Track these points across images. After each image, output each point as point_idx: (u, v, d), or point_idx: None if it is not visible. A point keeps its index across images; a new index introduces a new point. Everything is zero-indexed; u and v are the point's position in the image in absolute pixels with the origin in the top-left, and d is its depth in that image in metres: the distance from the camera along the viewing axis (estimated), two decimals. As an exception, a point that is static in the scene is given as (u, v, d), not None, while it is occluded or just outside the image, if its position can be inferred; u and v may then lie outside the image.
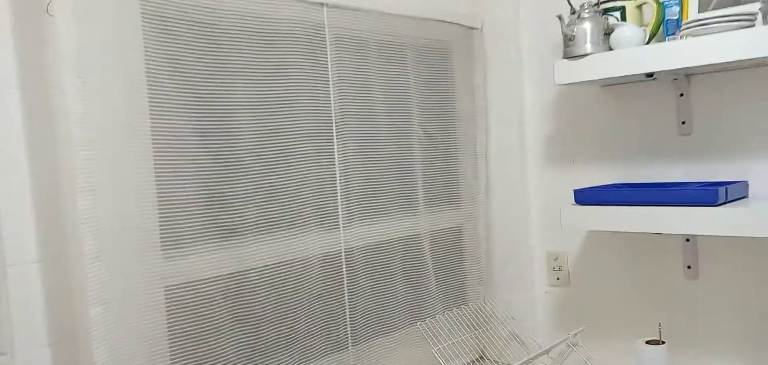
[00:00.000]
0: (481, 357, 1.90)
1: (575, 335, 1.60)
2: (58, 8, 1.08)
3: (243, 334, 1.35)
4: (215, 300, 1.31)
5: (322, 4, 1.51)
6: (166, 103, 1.24)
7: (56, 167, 1.14)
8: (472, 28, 1.92)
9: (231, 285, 1.34)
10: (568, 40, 1.53)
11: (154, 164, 1.21)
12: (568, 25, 1.53)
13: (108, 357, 1.12)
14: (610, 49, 1.51)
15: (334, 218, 1.56)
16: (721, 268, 1.58)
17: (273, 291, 1.41)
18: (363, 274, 1.62)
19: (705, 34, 1.34)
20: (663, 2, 1.51)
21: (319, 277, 1.52)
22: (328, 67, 1.54)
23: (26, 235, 1.12)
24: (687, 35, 1.39)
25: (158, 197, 1.22)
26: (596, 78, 1.52)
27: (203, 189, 1.29)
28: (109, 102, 1.14)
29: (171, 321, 1.23)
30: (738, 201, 1.43)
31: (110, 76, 1.15)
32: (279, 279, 1.43)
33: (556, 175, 1.86)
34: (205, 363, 1.28)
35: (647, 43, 1.51)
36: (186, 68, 1.27)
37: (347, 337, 1.58)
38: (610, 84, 1.71)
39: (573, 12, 1.54)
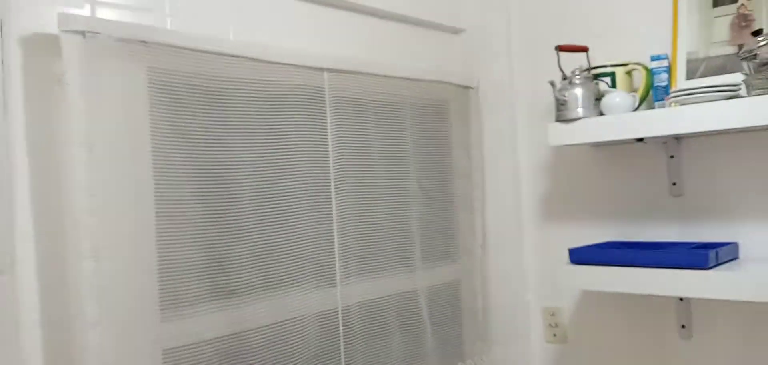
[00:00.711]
0: (479, 414, 1.90)
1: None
2: (68, 79, 1.13)
3: (240, 395, 1.36)
4: (212, 362, 1.32)
5: (322, 70, 1.57)
6: (169, 168, 1.27)
7: (62, 233, 1.17)
8: (468, 88, 1.97)
9: (228, 346, 1.35)
10: (561, 104, 1.58)
11: (156, 228, 1.24)
12: (560, 90, 1.58)
13: (105, 422, 1.13)
14: (602, 113, 1.56)
15: (331, 276, 1.58)
16: (714, 328, 1.59)
17: (270, 351, 1.42)
18: (360, 331, 1.64)
19: (692, 102, 1.39)
20: (652, 69, 1.57)
21: (317, 335, 1.53)
22: (327, 128, 1.58)
23: (30, 298, 1.14)
24: (675, 103, 1.44)
25: (159, 261, 1.24)
26: (588, 141, 1.56)
27: (203, 252, 1.32)
28: (114, 170, 1.18)
29: (169, 384, 1.24)
30: (729, 263, 1.46)
31: (116, 144, 1.19)
32: (276, 338, 1.44)
33: (552, 231, 1.89)
34: (201, 425, 1.29)
35: (637, 108, 1.56)
36: (189, 134, 1.31)
37: (344, 396, 1.59)
38: (602, 145, 1.75)
39: (564, 77, 1.59)
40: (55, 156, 1.16)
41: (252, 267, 1.40)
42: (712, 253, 1.40)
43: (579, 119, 1.55)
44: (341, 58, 1.61)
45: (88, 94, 1.15)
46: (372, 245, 1.68)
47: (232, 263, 1.37)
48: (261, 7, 1.50)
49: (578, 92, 1.56)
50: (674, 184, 1.64)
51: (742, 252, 1.53)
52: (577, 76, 1.57)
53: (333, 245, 1.58)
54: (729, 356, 1.57)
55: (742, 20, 1.49)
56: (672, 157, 1.64)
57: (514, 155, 1.95)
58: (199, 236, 1.31)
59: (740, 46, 1.47)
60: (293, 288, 1.48)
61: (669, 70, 1.55)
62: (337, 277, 1.59)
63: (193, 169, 1.31)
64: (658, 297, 1.67)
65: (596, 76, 1.60)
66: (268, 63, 1.45)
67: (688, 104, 1.39)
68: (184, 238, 1.29)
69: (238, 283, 1.38)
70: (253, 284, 1.40)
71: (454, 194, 1.93)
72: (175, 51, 1.28)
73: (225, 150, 1.37)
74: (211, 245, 1.33)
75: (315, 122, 1.55)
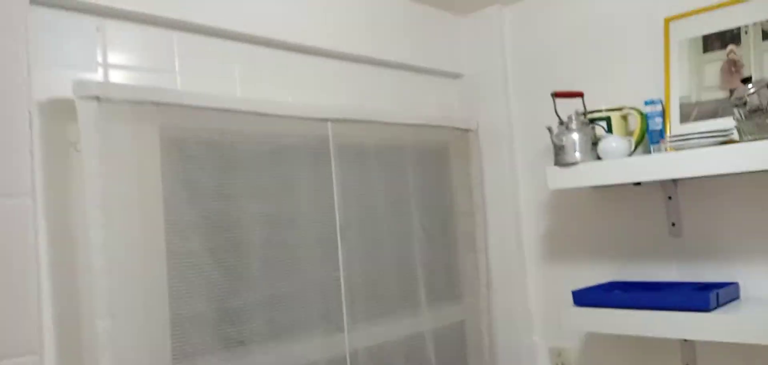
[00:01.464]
0: None
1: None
2: (84, 144, 1.17)
3: None
4: (223, 414, 1.34)
5: (326, 120, 1.61)
6: (180, 222, 1.31)
7: (76, 292, 1.20)
8: (468, 130, 2.02)
9: (238, 396, 1.37)
10: (558, 149, 1.62)
11: (168, 282, 1.28)
12: (557, 134, 1.63)
13: None
14: (599, 157, 1.60)
15: (338, 322, 1.60)
16: (718, 367, 1.60)
17: (279, 400, 1.44)
18: (367, 376, 1.65)
19: (687, 148, 1.43)
20: (646, 113, 1.61)
21: (325, 383, 1.55)
22: (332, 176, 1.62)
23: (48, 358, 1.16)
24: (670, 147, 1.48)
25: (171, 314, 1.27)
26: (587, 185, 1.60)
27: (213, 303, 1.35)
28: (128, 228, 1.21)
29: (180, 437, 1.26)
30: (730, 304, 1.48)
31: (130, 202, 1.23)
32: (285, 387, 1.46)
33: (554, 270, 1.91)
34: None
35: (633, 151, 1.60)
36: (199, 187, 1.35)
37: None
38: (601, 187, 1.79)
39: (561, 122, 1.64)
40: (70, 218, 1.20)
41: (260, 316, 1.43)
42: (712, 295, 1.43)
43: (577, 163, 1.59)
44: (344, 107, 1.66)
45: (103, 156, 1.19)
46: (378, 290, 1.70)
47: (241, 314, 1.39)
48: (266, 62, 1.56)
49: (575, 136, 1.60)
50: (673, 224, 1.67)
51: (743, 292, 1.55)
52: (574, 121, 1.61)
53: (340, 290, 1.61)
54: (734, 394, 1.58)
55: (732, 66, 1.54)
56: (670, 198, 1.67)
57: (515, 196, 1.99)
58: (209, 287, 1.34)
59: (731, 91, 1.51)
60: (302, 335, 1.50)
61: (663, 114, 1.59)
62: (345, 322, 1.61)
63: (202, 221, 1.35)
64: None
65: (592, 121, 1.65)
66: (274, 116, 1.49)
67: (683, 148, 1.43)
68: (195, 290, 1.32)
69: (248, 333, 1.40)
70: (262, 333, 1.43)
71: (457, 235, 1.96)
72: (185, 109, 1.33)
73: (233, 200, 1.41)
74: (221, 296, 1.36)
75: (320, 170, 1.60)
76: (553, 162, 1.65)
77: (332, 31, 1.68)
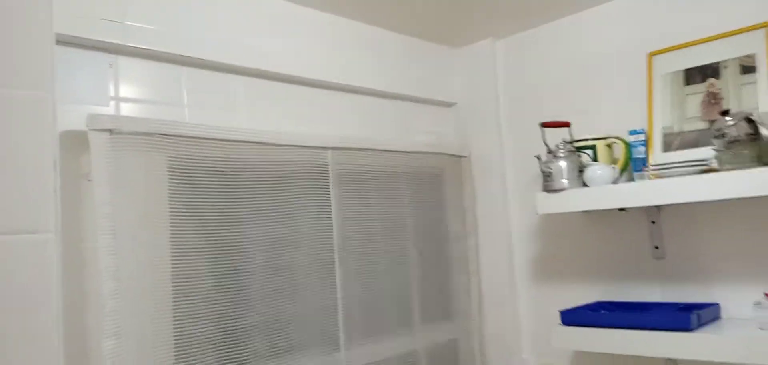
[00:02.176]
0: None
1: None
2: (95, 174, 1.23)
3: None
4: (226, 433, 1.39)
5: (326, 148, 1.68)
6: (185, 247, 1.37)
7: (84, 312, 1.25)
8: (461, 157, 2.09)
9: (240, 416, 1.42)
10: (547, 175, 1.69)
11: (173, 304, 1.33)
12: (546, 162, 1.70)
13: None
14: (585, 184, 1.67)
15: (335, 341, 1.66)
16: (701, 386, 1.67)
17: (279, 419, 1.49)
18: (363, 395, 1.70)
19: (668, 176, 1.51)
20: (630, 143, 1.69)
21: (322, 401, 1.60)
22: (330, 201, 1.69)
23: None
24: (653, 175, 1.56)
25: (175, 335, 1.33)
26: (574, 210, 1.67)
27: (215, 324, 1.40)
28: (136, 253, 1.27)
29: None
30: (712, 324, 1.55)
31: (138, 229, 1.29)
32: (285, 406, 1.51)
33: (544, 291, 1.98)
34: None
35: (618, 178, 1.68)
36: (204, 213, 1.41)
37: None
38: (588, 211, 1.86)
39: (549, 151, 1.71)
40: (81, 243, 1.26)
41: (261, 337, 1.48)
42: (694, 315, 1.50)
43: (564, 189, 1.67)
44: (343, 136, 1.74)
45: (114, 184, 1.25)
46: (374, 310, 1.77)
47: (242, 334, 1.45)
48: (267, 94, 1.63)
49: (562, 164, 1.68)
50: (656, 247, 1.75)
51: (724, 313, 1.63)
52: (561, 150, 1.69)
53: (337, 311, 1.67)
54: (716, 412, 1.65)
55: (712, 98, 1.62)
56: (653, 222, 1.75)
57: (506, 220, 2.06)
58: (212, 309, 1.40)
59: (711, 122, 1.59)
60: (300, 355, 1.56)
61: (646, 143, 1.67)
62: (341, 342, 1.67)
63: (206, 246, 1.41)
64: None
65: (578, 149, 1.72)
66: (276, 146, 1.56)
67: (665, 177, 1.51)
68: (198, 312, 1.37)
69: (248, 353, 1.46)
70: (262, 353, 1.48)
71: (450, 257, 2.03)
72: (192, 140, 1.39)
73: (236, 226, 1.47)
74: (223, 318, 1.42)
75: (319, 196, 1.66)
76: (541, 188, 1.72)
77: (332, 65, 1.76)
